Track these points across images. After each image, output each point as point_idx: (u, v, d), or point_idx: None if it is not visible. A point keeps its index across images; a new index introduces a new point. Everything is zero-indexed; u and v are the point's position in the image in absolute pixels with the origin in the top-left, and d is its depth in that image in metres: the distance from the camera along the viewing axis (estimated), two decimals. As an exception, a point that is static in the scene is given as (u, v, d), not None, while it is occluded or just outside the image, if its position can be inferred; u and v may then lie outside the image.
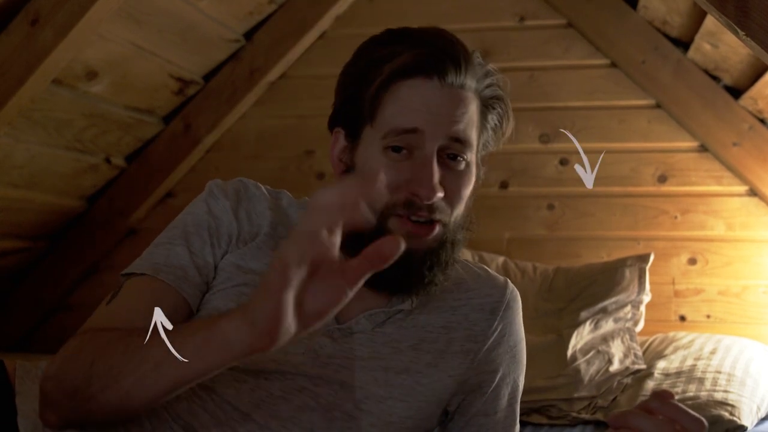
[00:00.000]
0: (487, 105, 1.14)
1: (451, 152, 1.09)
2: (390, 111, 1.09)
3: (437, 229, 1.10)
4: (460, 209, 1.12)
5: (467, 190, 1.12)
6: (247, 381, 1.08)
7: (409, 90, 1.08)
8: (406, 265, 1.08)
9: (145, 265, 1.12)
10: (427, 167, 1.06)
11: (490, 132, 1.16)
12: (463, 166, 1.11)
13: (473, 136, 1.11)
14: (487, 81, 1.13)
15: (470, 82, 1.10)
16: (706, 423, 0.85)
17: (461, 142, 1.09)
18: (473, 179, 1.14)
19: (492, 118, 1.15)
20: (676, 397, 1.85)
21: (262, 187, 1.23)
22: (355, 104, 1.12)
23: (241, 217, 1.17)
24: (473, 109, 1.11)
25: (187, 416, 1.07)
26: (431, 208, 1.08)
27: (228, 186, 1.20)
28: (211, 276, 1.15)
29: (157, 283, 1.09)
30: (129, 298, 1.08)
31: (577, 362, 2.07)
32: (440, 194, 1.07)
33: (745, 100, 2.36)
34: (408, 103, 1.08)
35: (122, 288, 1.10)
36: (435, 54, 1.08)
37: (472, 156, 1.12)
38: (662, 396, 0.85)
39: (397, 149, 1.08)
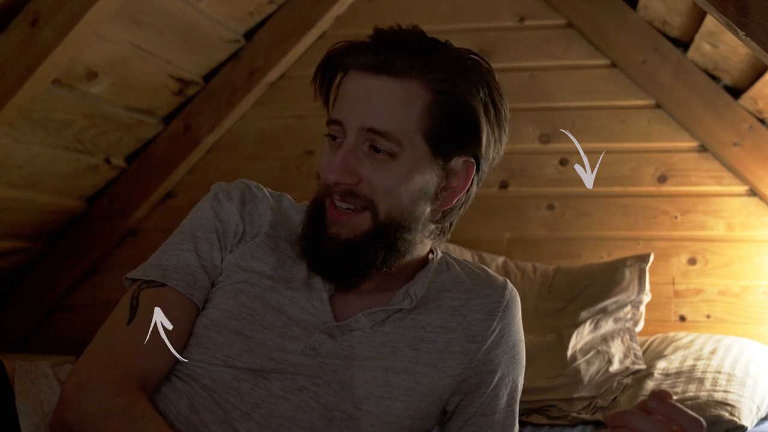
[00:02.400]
0: (443, 107, 1.10)
1: (376, 144, 1.09)
2: (335, 102, 1.15)
3: (357, 217, 1.10)
4: (392, 204, 1.10)
5: (400, 186, 1.10)
6: (246, 380, 1.09)
7: (342, 83, 1.13)
8: (326, 250, 1.12)
9: (154, 271, 1.13)
10: (338, 154, 1.09)
11: (457, 136, 1.11)
12: (394, 159, 1.09)
13: (402, 129, 1.08)
14: (446, 80, 1.09)
15: (404, 72, 1.08)
16: (704, 423, 0.85)
17: (378, 133, 1.08)
18: (411, 176, 1.10)
19: (455, 122, 1.10)
20: (676, 398, 1.85)
21: (264, 189, 1.24)
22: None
23: (246, 218, 1.19)
24: (411, 103, 1.08)
25: (188, 413, 1.08)
26: (344, 194, 1.10)
27: (232, 188, 1.22)
28: (218, 276, 1.17)
29: (171, 295, 1.11)
30: (148, 317, 1.09)
31: (577, 362, 2.07)
32: (334, 177, 1.09)
33: (745, 100, 2.36)
34: (340, 95, 1.13)
35: (139, 303, 1.11)
36: (364, 47, 1.10)
37: (406, 150, 1.09)
38: (660, 396, 0.85)
39: (334, 138, 1.13)
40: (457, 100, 1.10)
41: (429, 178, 1.12)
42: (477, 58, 1.14)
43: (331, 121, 1.12)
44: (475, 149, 1.14)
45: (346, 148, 1.09)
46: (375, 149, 1.09)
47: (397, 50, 1.08)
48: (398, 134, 1.08)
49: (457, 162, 1.14)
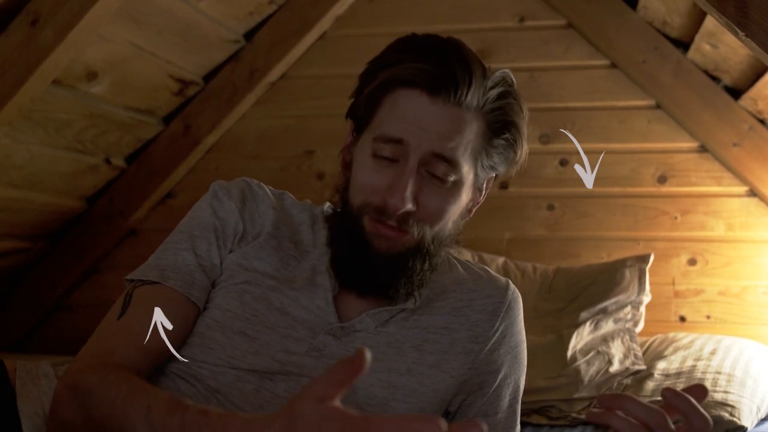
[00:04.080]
0: (493, 129, 1.12)
1: (439, 170, 1.09)
2: (384, 117, 1.10)
3: (407, 236, 1.10)
4: (441, 226, 1.12)
5: (452, 209, 1.12)
6: (251, 382, 1.08)
7: (404, 100, 1.09)
8: (369, 264, 1.10)
9: (152, 272, 1.12)
10: (403, 179, 1.07)
11: (497, 157, 1.14)
12: (450, 184, 1.10)
13: (464, 156, 1.09)
14: (497, 104, 1.11)
15: (472, 103, 1.08)
16: (711, 423, 0.85)
17: (447, 161, 1.08)
18: (462, 199, 1.13)
19: (499, 143, 1.13)
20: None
21: (265, 187, 1.24)
22: (358, 102, 1.13)
23: (246, 217, 1.18)
24: (471, 129, 1.09)
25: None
26: (401, 220, 1.08)
27: (232, 187, 1.21)
28: (218, 276, 1.16)
29: (167, 291, 1.10)
30: (141, 312, 1.08)
31: (577, 363, 2.07)
32: (409, 206, 1.07)
33: (745, 100, 2.36)
34: (400, 112, 1.08)
35: (132, 299, 1.10)
36: (435, 70, 1.07)
37: (463, 176, 1.11)
38: (694, 390, 0.85)
39: (385, 156, 1.09)
40: (508, 126, 1.12)
41: (469, 198, 1.15)
42: (510, 75, 1.15)
43: (389, 139, 1.08)
44: (505, 171, 1.18)
45: (410, 173, 1.07)
46: (435, 175, 1.09)
47: (461, 79, 1.07)
48: (461, 161, 1.09)
49: (489, 179, 1.18)
